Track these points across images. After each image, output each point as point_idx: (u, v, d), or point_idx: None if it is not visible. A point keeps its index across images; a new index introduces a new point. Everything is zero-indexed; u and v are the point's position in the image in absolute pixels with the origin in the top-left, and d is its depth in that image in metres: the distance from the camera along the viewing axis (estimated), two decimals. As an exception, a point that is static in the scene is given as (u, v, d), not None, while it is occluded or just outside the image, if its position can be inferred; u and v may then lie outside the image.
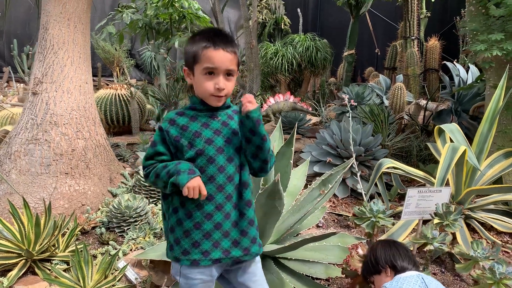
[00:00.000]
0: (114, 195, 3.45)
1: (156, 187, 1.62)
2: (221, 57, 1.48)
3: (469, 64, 5.97)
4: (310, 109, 6.44)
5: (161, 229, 3.01)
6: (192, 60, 1.52)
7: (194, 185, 1.45)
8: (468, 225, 3.27)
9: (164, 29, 7.64)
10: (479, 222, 3.34)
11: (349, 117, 3.52)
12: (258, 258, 1.65)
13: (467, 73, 5.86)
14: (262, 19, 12.18)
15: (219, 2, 7.19)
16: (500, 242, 3.11)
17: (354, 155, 3.07)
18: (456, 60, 6.83)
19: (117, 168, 3.71)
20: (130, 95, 5.70)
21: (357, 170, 3.25)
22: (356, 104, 5.31)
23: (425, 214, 2.89)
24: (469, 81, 5.63)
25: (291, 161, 2.50)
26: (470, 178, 3.35)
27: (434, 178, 3.53)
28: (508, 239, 3.23)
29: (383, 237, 3.01)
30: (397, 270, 1.86)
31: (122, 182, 3.65)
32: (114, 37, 11.21)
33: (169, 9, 7.16)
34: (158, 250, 2.45)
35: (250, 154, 1.54)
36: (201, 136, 1.53)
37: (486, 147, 3.37)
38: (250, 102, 1.46)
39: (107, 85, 7.61)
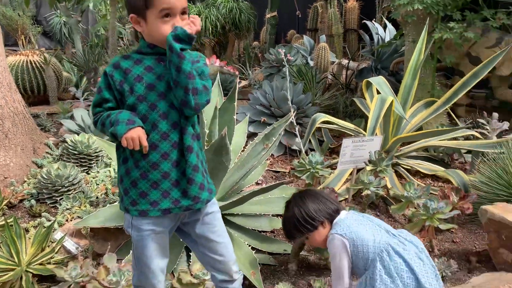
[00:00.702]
0: (40, 166, 3.19)
1: (104, 133, 1.51)
2: None
3: (386, 23, 6.26)
4: (237, 72, 6.39)
5: (97, 197, 2.86)
6: (142, 6, 1.39)
7: (133, 136, 1.36)
8: (395, 172, 3.50)
9: (75, -10, 7.06)
10: (404, 168, 3.58)
11: (286, 72, 3.52)
12: (217, 209, 1.61)
13: (385, 31, 6.14)
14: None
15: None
16: (423, 185, 3.37)
17: (292, 110, 3.11)
18: (373, 19, 7.09)
19: (40, 138, 3.42)
20: (44, 61, 5.24)
21: (295, 125, 3.31)
22: (293, 58, 5.34)
23: (359, 163, 3.04)
24: (387, 39, 5.91)
25: (234, 117, 2.46)
26: (397, 128, 3.57)
27: (363, 130, 3.71)
28: (430, 181, 3.50)
29: (320, 187, 3.12)
30: (332, 217, 1.85)
31: (47, 152, 3.38)
32: (16, 1, 10.17)
33: (80, -32, 6.62)
34: (100, 216, 2.33)
35: (172, 80, 1.41)
36: (142, 81, 1.43)
37: (410, 98, 3.59)
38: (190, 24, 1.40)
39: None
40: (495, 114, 3.68)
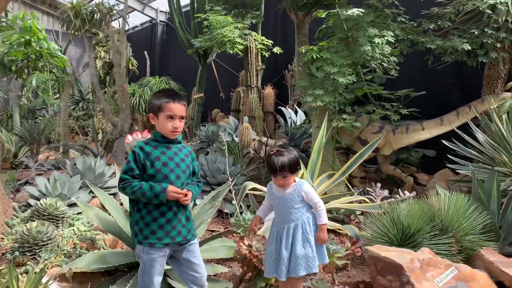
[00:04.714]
0: (10, 226, 3.66)
1: (127, 195, 2.25)
2: (177, 108, 2.28)
3: (297, 109, 7.59)
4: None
5: (68, 250, 3.42)
6: (157, 109, 2.28)
7: (172, 195, 2.22)
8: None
9: (18, 67, 7.59)
10: (314, 226, 4.55)
11: (224, 149, 4.44)
12: (196, 241, 2.40)
13: (296, 116, 7.44)
14: (109, 59, 12.54)
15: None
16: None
17: (230, 179, 3.99)
18: (287, 105, 8.45)
19: (8, 202, 3.90)
20: (-9, 133, 5.66)
21: (232, 189, 4.17)
22: (227, 138, 6.26)
23: (280, 220, 3.94)
24: (298, 122, 7.19)
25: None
26: (307, 194, 4.58)
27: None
28: (333, 236, 4.50)
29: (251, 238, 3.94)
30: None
31: (13, 214, 3.86)
32: None
33: (26, 48, 7.22)
34: (85, 260, 2.93)
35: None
36: (159, 160, 2.27)
37: (316, 171, 4.66)
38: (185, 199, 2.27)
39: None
40: (378, 184, 4.88)
